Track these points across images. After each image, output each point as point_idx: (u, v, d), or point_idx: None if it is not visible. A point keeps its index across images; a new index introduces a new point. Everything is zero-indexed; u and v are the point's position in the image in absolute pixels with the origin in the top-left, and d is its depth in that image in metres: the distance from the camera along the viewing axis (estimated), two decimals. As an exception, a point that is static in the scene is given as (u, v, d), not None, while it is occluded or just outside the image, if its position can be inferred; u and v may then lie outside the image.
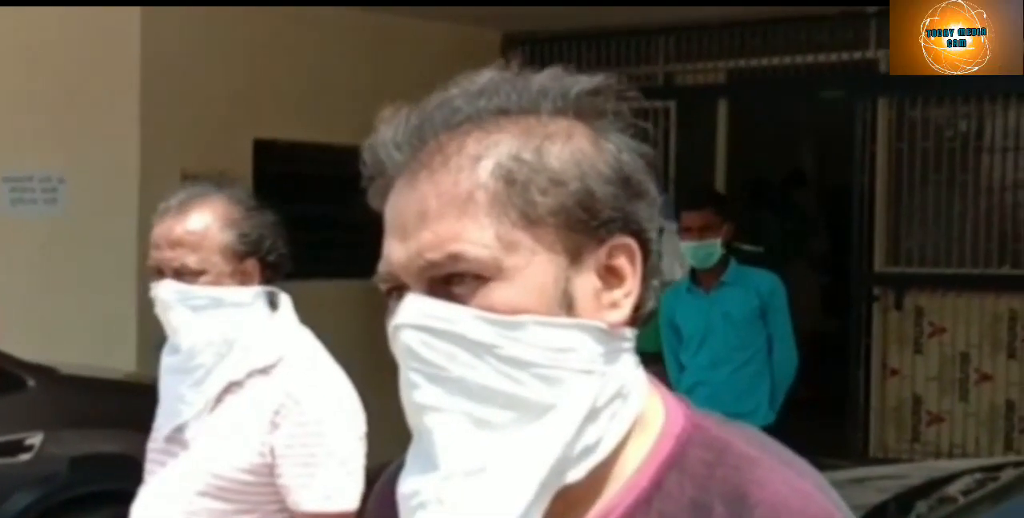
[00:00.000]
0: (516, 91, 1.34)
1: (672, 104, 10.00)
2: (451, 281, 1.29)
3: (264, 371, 2.96)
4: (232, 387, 2.97)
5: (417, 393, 1.30)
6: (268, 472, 2.91)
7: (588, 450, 1.31)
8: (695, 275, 6.35)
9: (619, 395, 1.34)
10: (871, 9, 9.26)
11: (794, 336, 6.36)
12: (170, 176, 8.58)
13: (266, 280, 3.03)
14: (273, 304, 3.07)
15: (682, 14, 9.59)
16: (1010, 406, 9.18)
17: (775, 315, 6.26)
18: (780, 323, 6.28)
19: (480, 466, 1.28)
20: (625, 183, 1.33)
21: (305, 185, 9.28)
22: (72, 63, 8.73)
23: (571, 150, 1.31)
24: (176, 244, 2.93)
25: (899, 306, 9.53)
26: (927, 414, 9.45)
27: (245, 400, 2.95)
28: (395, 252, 1.31)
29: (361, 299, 8.79)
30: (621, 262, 1.34)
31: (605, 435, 1.32)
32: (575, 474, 1.31)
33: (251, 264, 2.98)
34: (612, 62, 10.09)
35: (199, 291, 2.94)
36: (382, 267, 1.33)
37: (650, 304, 1.37)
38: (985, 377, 9.25)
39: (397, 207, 1.32)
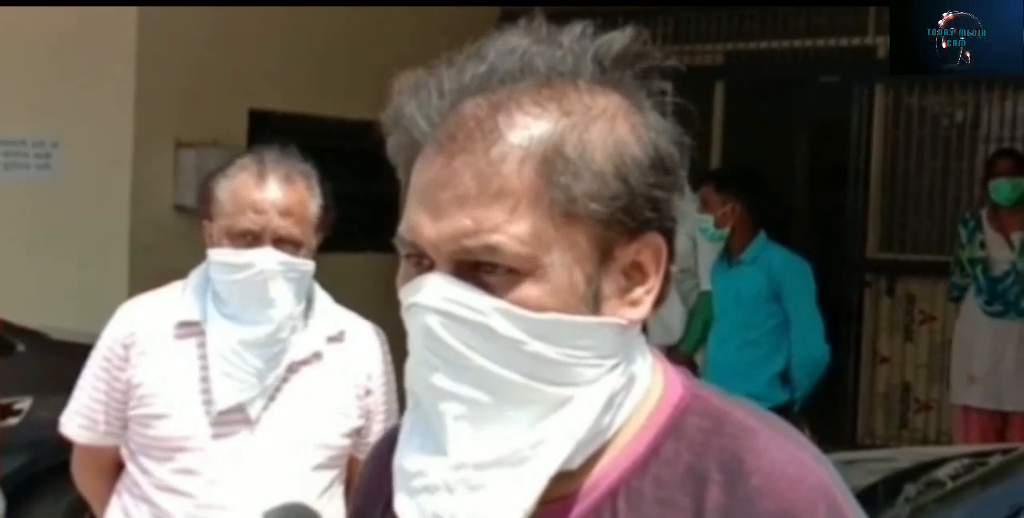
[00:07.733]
0: (553, 56, 1.30)
1: (668, 85, 9.94)
2: (481, 268, 1.27)
3: (336, 339, 3.02)
4: (310, 358, 2.98)
5: (435, 376, 1.28)
6: (358, 433, 3.03)
7: (596, 436, 1.31)
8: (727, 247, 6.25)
9: (629, 382, 1.34)
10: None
11: (820, 321, 6.00)
12: (164, 144, 8.56)
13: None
14: None
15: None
16: (997, 395, 9.18)
17: (790, 297, 5.96)
18: (796, 305, 5.95)
19: (493, 459, 1.27)
20: (664, 175, 1.31)
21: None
22: (68, 28, 8.68)
23: (614, 142, 1.28)
24: (286, 213, 2.90)
25: (891, 293, 9.54)
26: (915, 401, 9.47)
27: (326, 369, 2.99)
28: (426, 228, 1.28)
29: (355, 272, 8.77)
30: (647, 259, 1.32)
31: (614, 420, 1.32)
32: (580, 459, 1.31)
33: (319, 237, 3.00)
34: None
35: (299, 263, 2.92)
36: (407, 235, 1.30)
37: (665, 294, 1.35)
38: (974, 365, 9.24)
39: (432, 181, 1.28)
